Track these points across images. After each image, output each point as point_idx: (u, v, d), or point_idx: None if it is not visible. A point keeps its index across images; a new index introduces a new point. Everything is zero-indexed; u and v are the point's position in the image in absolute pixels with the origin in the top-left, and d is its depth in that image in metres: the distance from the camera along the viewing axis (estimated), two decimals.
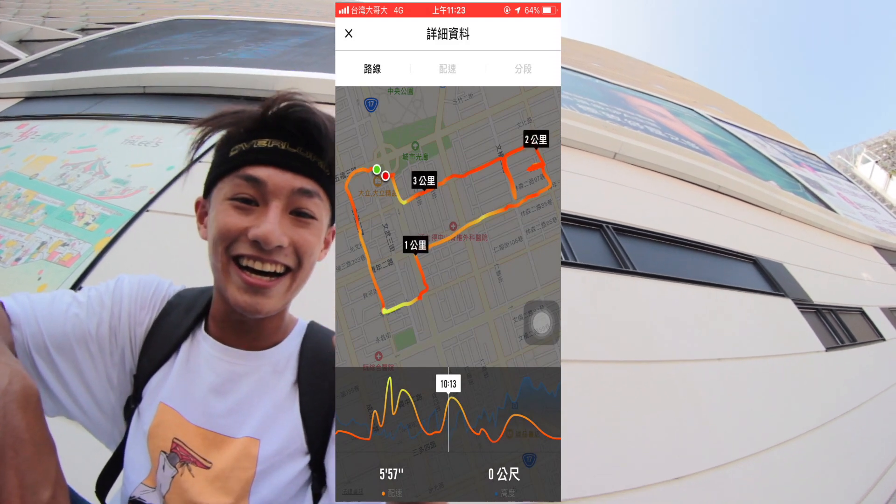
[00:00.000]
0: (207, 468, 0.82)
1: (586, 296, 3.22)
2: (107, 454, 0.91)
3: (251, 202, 0.81)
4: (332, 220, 0.92)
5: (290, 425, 0.86)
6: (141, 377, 0.88)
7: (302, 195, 0.82)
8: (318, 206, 0.85)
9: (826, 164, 14.34)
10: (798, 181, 9.19)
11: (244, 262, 0.80)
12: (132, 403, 0.87)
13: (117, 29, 9.12)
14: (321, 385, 0.90)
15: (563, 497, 2.41)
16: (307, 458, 0.86)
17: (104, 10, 13.62)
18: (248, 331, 0.90)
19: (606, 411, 2.61)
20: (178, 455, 0.82)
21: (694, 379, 3.13)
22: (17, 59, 7.93)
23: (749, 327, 4.04)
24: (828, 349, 4.48)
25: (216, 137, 0.90)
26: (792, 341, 4.25)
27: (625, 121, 6.84)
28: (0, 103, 6.04)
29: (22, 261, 3.23)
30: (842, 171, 16.62)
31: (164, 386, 0.87)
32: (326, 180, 0.87)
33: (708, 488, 2.56)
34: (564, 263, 3.47)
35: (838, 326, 5.26)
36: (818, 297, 5.17)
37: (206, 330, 0.93)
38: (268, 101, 0.84)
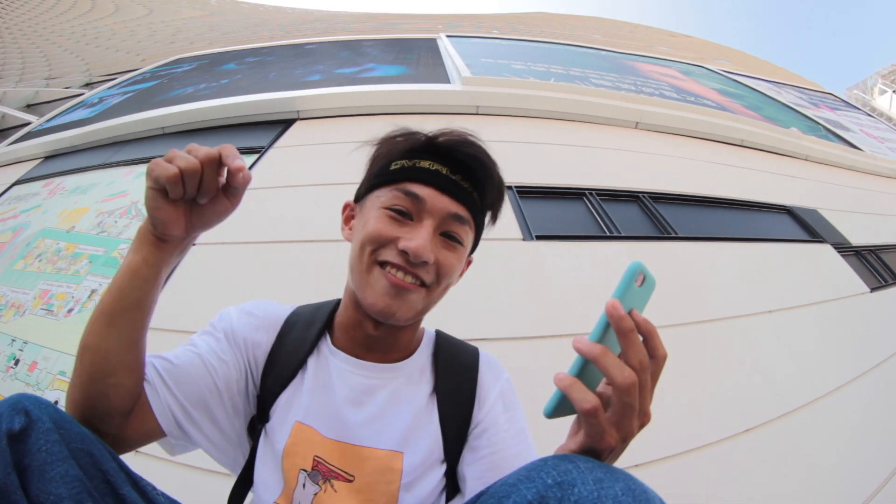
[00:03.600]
0: (350, 481, 0.83)
1: None
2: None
3: (406, 215, 0.84)
4: (473, 250, 0.96)
5: (431, 436, 0.87)
6: (267, 397, 0.89)
7: (454, 220, 0.85)
8: (467, 234, 0.88)
9: (843, 101, 14.04)
10: (819, 123, 9.04)
11: (388, 269, 0.82)
12: (258, 423, 0.88)
13: (120, 78, 9.16)
14: (458, 395, 0.91)
15: (640, 461, 2.53)
16: (444, 467, 0.87)
17: (104, 62, 13.79)
18: (379, 344, 0.91)
19: (671, 375, 2.70)
20: (320, 472, 0.83)
21: (748, 333, 3.20)
22: (28, 123, 8.07)
23: (792, 277, 4.07)
24: (872, 290, 4.48)
25: (370, 150, 0.94)
26: (836, 286, 4.26)
27: (640, 89, 6.84)
28: (20, 167, 6.22)
29: (75, 311, 3.28)
30: (860, 105, 16.29)
31: (295, 404, 0.88)
32: (478, 211, 0.90)
33: (777, 437, 2.63)
34: (609, 237, 3.57)
35: (880, 266, 5.22)
36: (856, 238, 5.15)
37: (333, 343, 0.94)
38: (439, 131, 0.88)
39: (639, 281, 0.55)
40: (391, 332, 0.90)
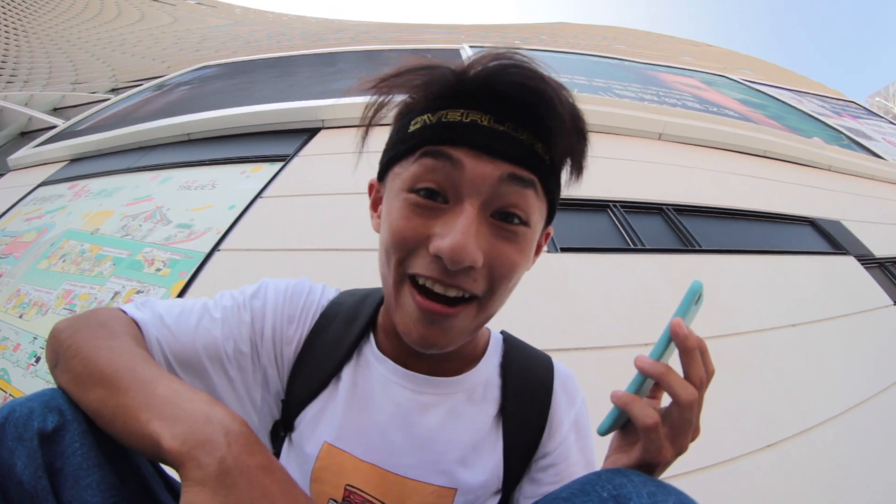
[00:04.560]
0: None
1: (661, 279, 3.32)
2: None
3: (438, 196, 0.59)
4: (550, 220, 0.72)
5: (491, 468, 0.72)
6: (292, 404, 0.74)
7: (512, 184, 0.58)
8: (533, 206, 0.62)
9: (866, 109, 13.86)
10: (841, 132, 8.92)
11: (421, 281, 0.60)
12: (281, 430, 0.76)
13: (146, 85, 9.26)
14: (528, 420, 0.75)
15: (662, 476, 2.50)
16: (498, 497, 0.73)
17: (129, 68, 14.02)
18: (430, 356, 0.71)
19: None
20: (352, 503, 0.70)
21: (772, 347, 3.17)
22: (55, 126, 8.17)
23: (816, 290, 4.04)
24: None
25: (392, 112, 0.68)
26: (859, 299, 4.22)
27: (662, 99, 6.82)
28: (46, 168, 6.30)
29: None
30: (882, 113, 16.07)
31: (324, 420, 0.73)
32: (546, 171, 0.62)
33: (800, 452, 2.60)
34: (634, 250, 3.59)
35: None
36: (879, 250, 5.09)
37: (378, 346, 0.77)
38: (474, 58, 0.60)
39: (696, 299, 0.55)
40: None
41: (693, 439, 0.56)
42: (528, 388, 0.77)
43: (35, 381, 2.99)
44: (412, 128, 0.62)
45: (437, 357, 0.72)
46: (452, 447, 0.71)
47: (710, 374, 0.55)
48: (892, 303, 4.37)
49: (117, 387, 0.52)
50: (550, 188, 0.64)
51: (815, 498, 2.45)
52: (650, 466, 0.55)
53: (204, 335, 0.69)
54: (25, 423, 0.51)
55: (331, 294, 0.82)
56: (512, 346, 0.82)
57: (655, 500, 0.49)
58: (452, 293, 0.60)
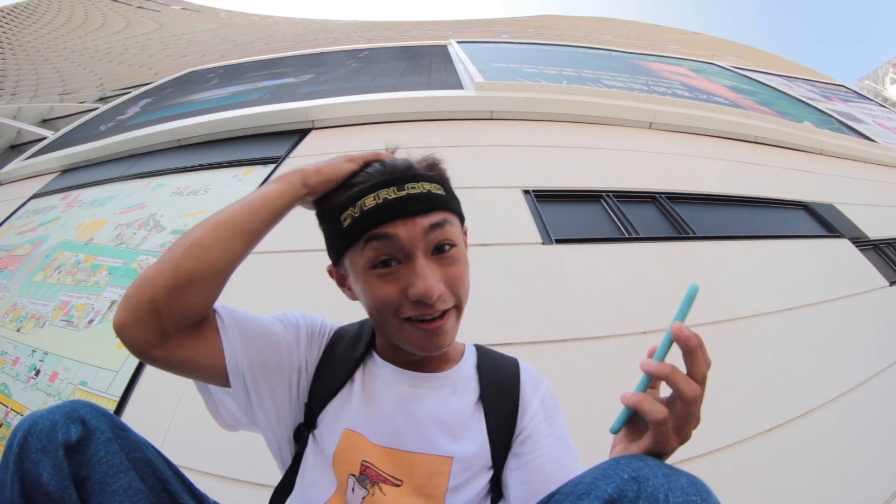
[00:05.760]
0: (398, 485, 0.84)
1: (656, 267, 3.33)
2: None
3: (391, 262, 0.80)
4: (463, 220, 0.92)
5: (478, 443, 0.88)
6: (315, 406, 0.90)
7: (435, 231, 0.81)
8: (452, 230, 0.84)
9: (855, 92, 13.92)
10: (831, 116, 8.96)
11: (415, 318, 0.82)
12: (304, 430, 0.89)
13: (135, 92, 9.24)
14: (503, 405, 0.93)
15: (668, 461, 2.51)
16: (490, 473, 0.88)
17: (117, 76, 13.95)
18: (424, 360, 0.94)
19: None
20: (368, 476, 0.83)
21: (769, 331, 3.19)
22: (44, 138, 8.13)
23: (811, 273, 4.05)
24: (891, 283, 4.45)
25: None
26: (855, 281, 4.23)
27: (652, 88, 6.82)
28: (38, 181, 6.26)
29: (95, 322, 3.27)
30: (872, 96, 16.13)
31: (343, 412, 0.89)
32: (445, 200, 0.85)
33: (801, 435, 2.62)
34: (628, 239, 3.59)
35: None
36: (874, 232, 5.11)
37: (380, 356, 0.96)
38: (359, 167, 0.87)
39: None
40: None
41: (694, 427, 0.61)
42: (499, 380, 0.96)
43: (35, 394, 2.96)
44: (345, 224, 0.82)
45: (427, 362, 0.94)
46: (444, 425, 0.89)
47: (707, 366, 0.61)
48: (887, 284, 4.39)
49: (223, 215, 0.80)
50: (453, 206, 0.87)
51: (818, 479, 2.47)
52: (657, 455, 0.62)
53: (274, 342, 0.88)
54: (49, 435, 0.53)
55: (333, 325, 1.03)
56: (483, 352, 1.04)
57: (670, 479, 0.55)
58: (438, 316, 0.82)
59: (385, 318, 0.83)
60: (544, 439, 0.90)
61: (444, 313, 0.83)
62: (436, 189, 0.84)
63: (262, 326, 0.87)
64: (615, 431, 0.67)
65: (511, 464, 0.89)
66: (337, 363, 0.93)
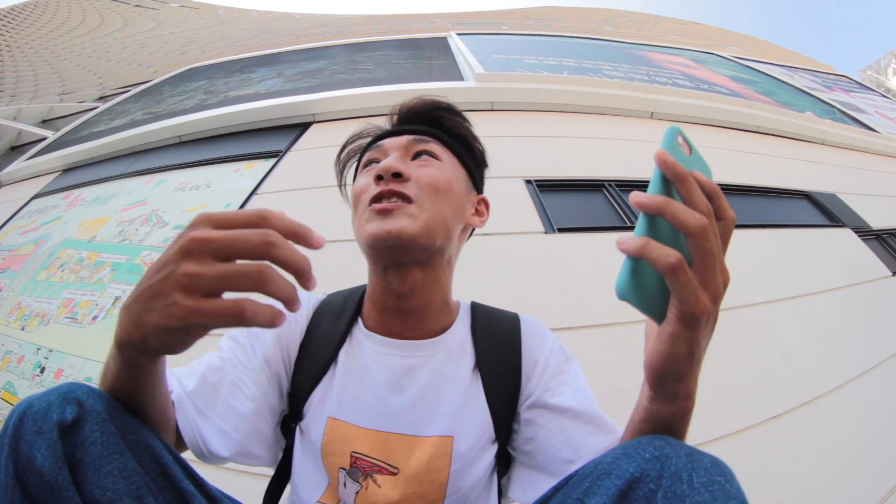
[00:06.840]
0: (394, 474, 0.78)
1: None
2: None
3: (372, 164, 0.87)
4: (479, 189, 0.96)
5: (479, 416, 0.81)
6: (299, 395, 0.83)
7: (417, 143, 0.87)
8: (438, 151, 0.88)
9: (858, 83, 13.86)
10: (833, 107, 8.92)
11: (373, 205, 0.79)
12: (291, 422, 0.84)
13: (135, 90, 9.21)
14: (502, 368, 0.85)
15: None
16: (496, 447, 0.82)
17: (116, 75, 13.91)
18: (410, 315, 0.85)
19: None
20: (360, 469, 0.78)
21: (772, 321, 3.19)
22: (44, 138, 8.11)
23: (814, 262, 4.05)
24: (894, 273, 4.45)
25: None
26: (858, 270, 4.22)
27: (653, 78, 6.81)
28: (39, 181, 6.28)
29: (100, 318, 3.29)
30: (875, 87, 16.06)
31: (327, 400, 0.82)
32: (442, 139, 0.91)
33: (805, 423, 2.63)
34: (630, 228, 3.58)
35: None
36: (876, 222, 5.10)
37: (367, 326, 0.88)
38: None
39: (684, 147, 0.51)
40: (416, 294, 0.83)
41: (725, 283, 0.50)
42: (496, 341, 0.88)
43: (41, 391, 2.96)
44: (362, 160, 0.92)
45: (415, 318, 0.85)
46: (442, 400, 0.81)
47: (728, 220, 0.51)
48: (890, 273, 4.38)
49: None
50: (456, 151, 0.91)
51: (822, 466, 2.47)
52: (693, 318, 0.48)
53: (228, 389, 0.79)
54: (44, 416, 0.52)
55: (319, 296, 0.95)
56: (479, 310, 0.94)
57: (693, 459, 0.52)
58: (394, 200, 0.78)
59: (358, 209, 0.84)
60: (559, 396, 0.81)
61: (401, 199, 0.79)
62: (445, 135, 0.92)
63: (223, 401, 0.77)
64: (621, 293, 0.47)
65: (525, 432, 0.82)
66: (319, 345, 0.86)
